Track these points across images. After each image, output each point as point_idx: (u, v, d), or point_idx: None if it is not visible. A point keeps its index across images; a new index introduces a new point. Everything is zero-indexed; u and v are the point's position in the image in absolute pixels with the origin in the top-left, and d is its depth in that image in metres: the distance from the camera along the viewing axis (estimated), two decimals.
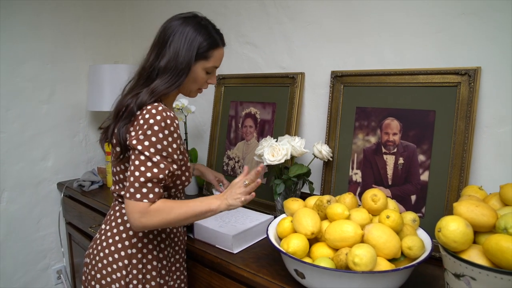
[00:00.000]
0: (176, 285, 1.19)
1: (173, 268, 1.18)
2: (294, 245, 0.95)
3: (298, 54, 1.56)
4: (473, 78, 1.10)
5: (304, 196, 1.30)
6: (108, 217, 1.16)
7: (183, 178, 1.12)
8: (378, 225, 0.94)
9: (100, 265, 1.10)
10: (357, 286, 0.86)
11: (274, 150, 1.26)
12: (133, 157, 1.00)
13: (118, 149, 1.06)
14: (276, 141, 1.34)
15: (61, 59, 2.09)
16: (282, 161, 1.25)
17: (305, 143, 1.33)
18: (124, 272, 1.07)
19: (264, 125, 1.61)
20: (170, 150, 1.01)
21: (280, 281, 1.04)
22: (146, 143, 0.98)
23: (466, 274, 0.72)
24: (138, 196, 0.96)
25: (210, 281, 1.23)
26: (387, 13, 1.29)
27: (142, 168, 0.97)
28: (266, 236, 1.06)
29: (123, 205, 1.12)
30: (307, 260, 0.97)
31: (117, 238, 1.10)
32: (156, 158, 0.98)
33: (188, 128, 1.87)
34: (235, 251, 1.16)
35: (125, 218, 1.10)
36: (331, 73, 1.42)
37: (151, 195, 0.97)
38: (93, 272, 1.11)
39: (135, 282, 1.08)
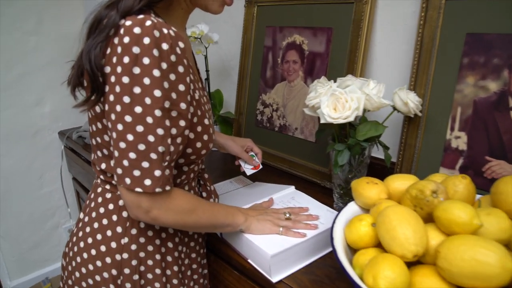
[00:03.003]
0: None
1: (189, 273, 0.83)
2: (386, 282, 0.55)
3: None
4: None
5: (372, 165, 0.89)
6: (88, 202, 0.79)
7: (198, 144, 0.71)
8: None
9: (78, 274, 0.75)
10: None
11: (338, 102, 0.82)
12: (113, 116, 0.60)
13: (87, 83, 0.67)
14: (337, 86, 0.89)
15: None
16: (351, 118, 0.81)
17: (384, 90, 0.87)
18: (112, 287, 0.73)
19: (315, 60, 1.14)
20: (174, 96, 0.62)
21: None
22: (137, 90, 0.58)
23: None
24: (127, 181, 0.62)
25: (236, 286, 0.87)
26: None
27: (130, 137, 0.60)
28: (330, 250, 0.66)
29: (107, 186, 0.75)
30: None
31: (99, 237, 0.73)
32: (153, 117, 0.59)
33: (210, 64, 1.43)
34: (274, 279, 0.75)
35: (110, 207, 0.74)
36: None
37: (147, 182, 0.61)
38: (70, 282, 0.78)
39: None
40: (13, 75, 1.60)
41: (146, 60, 0.57)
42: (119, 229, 0.72)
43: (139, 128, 0.59)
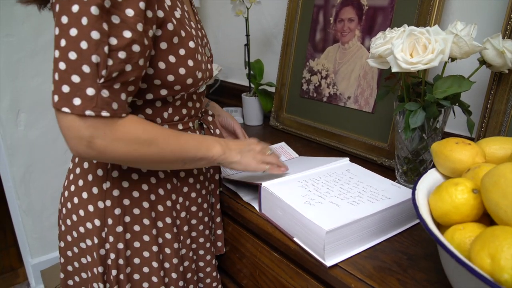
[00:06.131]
0: (192, 255, 0.74)
1: (185, 228, 0.71)
2: None
3: None
4: None
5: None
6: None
7: (182, 70, 0.61)
8: None
9: (63, 227, 0.69)
10: None
11: (418, 43, 0.64)
12: (55, 20, 0.51)
13: None
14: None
15: None
16: (435, 63, 0.63)
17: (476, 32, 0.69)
18: (96, 241, 0.63)
19: (375, 16, 0.97)
20: None
21: None
22: None
23: None
24: (55, 99, 0.50)
25: (275, 271, 0.71)
26: None
27: (63, 43, 0.49)
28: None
29: None
30: None
31: (81, 183, 0.65)
32: (88, 17, 0.48)
33: (251, 31, 1.28)
34: (329, 262, 0.59)
35: None
36: None
37: (77, 101, 0.49)
38: (63, 245, 0.71)
39: (113, 256, 0.64)
40: (42, 41, 1.51)
41: None
42: (99, 172, 0.63)
43: (73, 32, 0.48)
